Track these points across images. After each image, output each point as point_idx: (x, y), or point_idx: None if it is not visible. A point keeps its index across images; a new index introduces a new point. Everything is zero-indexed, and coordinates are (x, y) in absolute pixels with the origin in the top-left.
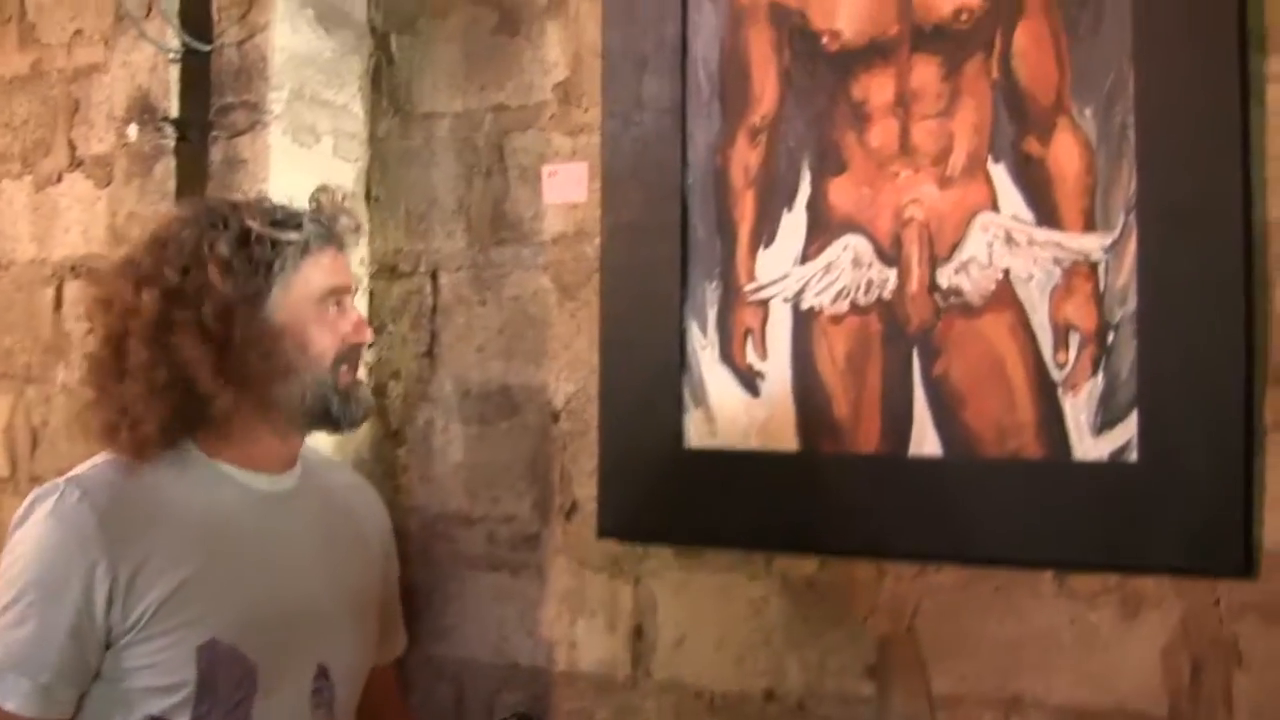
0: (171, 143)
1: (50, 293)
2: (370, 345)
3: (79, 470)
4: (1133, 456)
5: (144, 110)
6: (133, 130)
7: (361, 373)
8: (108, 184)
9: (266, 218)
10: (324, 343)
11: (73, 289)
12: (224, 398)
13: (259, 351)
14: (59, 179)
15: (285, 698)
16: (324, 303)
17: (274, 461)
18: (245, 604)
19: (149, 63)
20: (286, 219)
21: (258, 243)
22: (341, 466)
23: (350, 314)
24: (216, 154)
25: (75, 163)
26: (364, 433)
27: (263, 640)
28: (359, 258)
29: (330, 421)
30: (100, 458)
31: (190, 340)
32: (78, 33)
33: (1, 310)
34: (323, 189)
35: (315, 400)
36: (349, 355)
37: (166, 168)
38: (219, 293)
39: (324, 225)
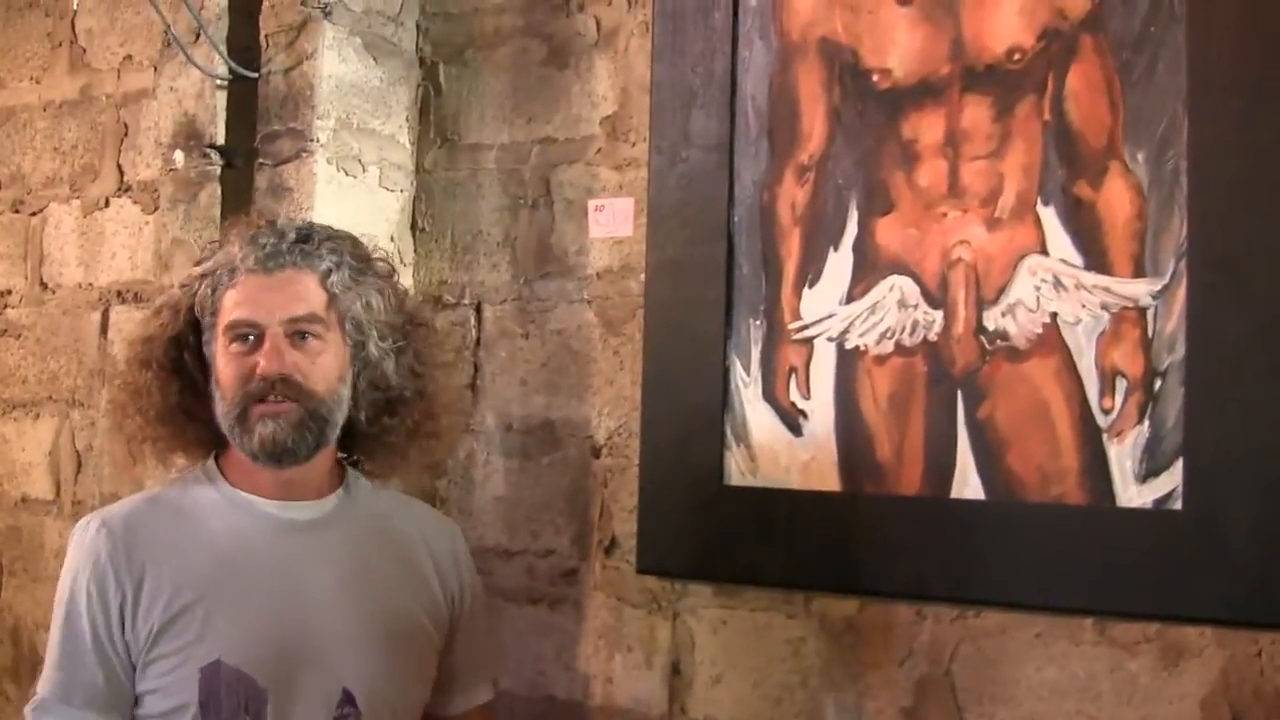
0: (217, 169)
1: (96, 317)
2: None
3: (115, 504)
4: (1177, 505)
5: (190, 137)
6: (178, 157)
7: (290, 409)
8: (154, 210)
9: (209, 251)
10: (227, 376)
11: (119, 314)
12: (211, 426)
13: (207, 383)
14: (106, 204)
15: None
16: (229, 335)
17: (296, 489)
18: (253, 627)
19: (196, 89)
20: (215, 251)
21: (199, 278)
22: (417, 505)
23: (265, 345)
24: (262, 181)
25: (123, 188)
26: None
27: (273, 664)
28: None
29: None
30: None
31: (172, 373)
32: (128, 58)
33: (48, 334)
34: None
35: (227, 433)
36: (258, 390)
37: (212, 194)
38: (171, 329)
39: (257, 249)
